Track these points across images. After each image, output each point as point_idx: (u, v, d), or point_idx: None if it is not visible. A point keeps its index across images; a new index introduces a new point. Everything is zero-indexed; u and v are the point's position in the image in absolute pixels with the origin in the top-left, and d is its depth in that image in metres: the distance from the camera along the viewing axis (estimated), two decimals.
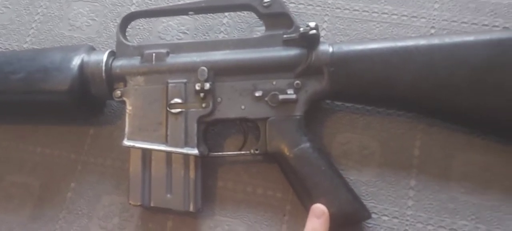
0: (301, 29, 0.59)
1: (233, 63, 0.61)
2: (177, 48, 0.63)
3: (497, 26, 0.65)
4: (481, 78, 0.55)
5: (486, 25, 0.65)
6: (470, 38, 0.57)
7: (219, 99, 0.61)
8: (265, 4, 0.61)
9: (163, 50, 0.62)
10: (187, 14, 0.65)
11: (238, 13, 0.70)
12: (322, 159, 0.59)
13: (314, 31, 0.58)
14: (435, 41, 0.58)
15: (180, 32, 0.72)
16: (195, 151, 0.60)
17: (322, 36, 0.68)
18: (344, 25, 0.68)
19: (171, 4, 0.67)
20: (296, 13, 0.69)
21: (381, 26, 0.67)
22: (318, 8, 0.70)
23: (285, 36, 0.61)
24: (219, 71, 0.60)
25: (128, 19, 0.65)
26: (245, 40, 0.62)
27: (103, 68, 0.62)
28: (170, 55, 0.62)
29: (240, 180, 0.64)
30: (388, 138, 0.62)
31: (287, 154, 0.59)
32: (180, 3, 0.65)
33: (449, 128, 0.61)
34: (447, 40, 0.57)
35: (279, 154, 0.59)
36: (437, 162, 0.61)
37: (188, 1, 0.64)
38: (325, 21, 0.69)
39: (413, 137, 0.62)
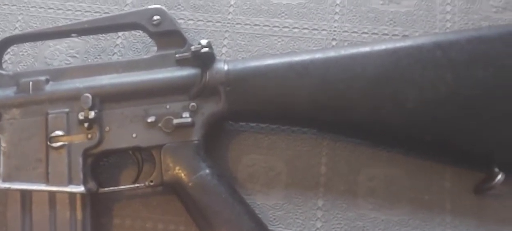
0: (193, 47, 0.55)
1: (121, 87, 0.55)
2: (58, 74, 0.57)
3: (396, 35, 0.64)
4: (378, 89, 0.54)
5: (386, 34, 0.64)
6: (366, 49, 0.55)
7: (107, 128, 0.55)
8: (155, 22, 0.57)
9: (42, 78, 0.56)
10: (70, 36, 0.59)
11: (133, 32, 0.65)
12: (223, 185, 0.55)
13: (206, 49, 0.55)
14: (331, 54, 0.56)
15: (69, 56, 0.65)
16: (80, 189, 0.54)
17: (223, 53, 0.64)
18: (245, 41, 0.65)
19: (53, 26, 0.60)
20: (195, 31, 0.66)
21: (283, 40, 0.65)
22: (218, 24, 0.66)
23: (177, 55, 0.56)
24: (105, 98, 0.55)
25: (4, 44, 0.59)
26: (134, 61, 0.57)
27: None
28: (50, 82, 0.56)
29: (139, 216, 0.58)
30: (294, 156, 0.60)
31: (185, 183, 0.54)
32: (61, 25, 0.59)
33: (354, 142, 0.59)
34: (343, 52, 0.56)
35: (177, 183, 0.55)
36: (343, 178, 0.58)
37: (71, 22, 0.59)
38: (226, 37, 0.65)
39: (319, 154, 0.59)
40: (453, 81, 0.53)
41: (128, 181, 0.58)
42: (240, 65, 0.56)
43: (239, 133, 0.61)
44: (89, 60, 0.65)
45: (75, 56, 0.65)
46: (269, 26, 0.66)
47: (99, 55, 0.65)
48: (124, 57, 0.64)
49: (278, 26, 0.66)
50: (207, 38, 0.58)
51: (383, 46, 0.56)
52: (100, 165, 0.58)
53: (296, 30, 0.65)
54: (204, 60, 0.56)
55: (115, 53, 0.65)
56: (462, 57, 0.54)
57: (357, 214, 0.57)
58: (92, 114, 0.54)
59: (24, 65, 0.65)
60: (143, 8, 0.58)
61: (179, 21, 0.66)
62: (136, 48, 0.65)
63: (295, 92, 0.55)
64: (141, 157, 0.57)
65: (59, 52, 0.66)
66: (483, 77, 0.53)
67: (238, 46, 0.65)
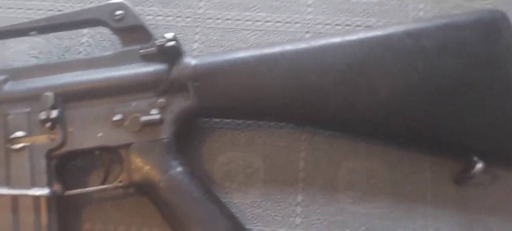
0: (157, 41, 0.53)
1: (84, 85, 0.53)
2: (18, 73, 0.54)
3: (370, 26, 0.63)
4: (350, 79, 0.52)
5: (360, 25, 0.63)
6: (336, 40, 0.54)
7: (70, 128, 0.52)
8: (117, 18, 0.54)
9: (0, 77, 0.53)
10: (29, 35, 0.56)
11: (98, 29, 0.62)
12: (196, 184, 0.52)
13: (172, 43, 0.52)
14: (302, 45, 0.54)
15: (32, 57, 0.62)
16: (45, 191, 0.50)
17: (195, 49, 0.62)
18: (217, 35, 0.63)
19: (10, 24, 0.57)
20: (165, 27, 0.63)
21: (256, 34, 0.63)
22: (188, 19, 0.64)
23: (141, 50, 0.54)
24: (68, 96, 0.52)
25: None
26: (98, 59, 0.55)
27: None
28: (9, 82, 0.53)
29: (110, 220, 0.55)
30: (271, 152, 0.57)
31: (155, 182, 0.51)
32: (18, 23, 0.56)
33: (332, 136, 0.57)
34: (313, 43, 0.54)
35: (147, 184, 0.52)
36: (322, 173, 0.56)
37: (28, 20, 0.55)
38: (197, 32, 0.63)
39: (297, 149, 0.57)
40: (424, 69, 0.52)
41: (96, 184, 0.55)
42: (208, 59, 0.54)
43: (215, 130, 0.58)
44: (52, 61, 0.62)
45: (37, 57, 0.62)
46: (241, 20, 0.64)
47: (63, 55, 0.62)
48: (89, 56, 0.62)
49: (250, 20, 0.64)
50: (177, 34, 0.55)
51: (353, 37, 0.54)
52: (66, 167, 0.54)
53: (268, 23, 0.63)
54: (171, 54, 0.53)
55: (80, 52, 0.62)
56: (432, 45, 0.52)
57: (337, 209, 0.55)
58: (54, 113, 0.51)
59: None
60: (104, 3, 0.55)
61: (147, 17, 0.63)
62: (103, 46, 0.62)
63: (266, 86, 0.53)
64: (108, 157, 0.54)
65: (21, 53, 0.62)
66: (454, 65, 0.52)
67: (210, 42, 0.63)
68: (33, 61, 0.62)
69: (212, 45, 0.62)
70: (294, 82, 0.53)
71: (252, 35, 0.63)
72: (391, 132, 0.54)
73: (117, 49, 0.56)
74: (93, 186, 0.55)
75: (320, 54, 0.53)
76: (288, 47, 0.54)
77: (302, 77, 0.53)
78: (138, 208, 0.55)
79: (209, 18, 0.64)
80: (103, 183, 0.54)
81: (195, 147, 0.58)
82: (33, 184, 0.50)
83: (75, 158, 0.55)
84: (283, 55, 0.53)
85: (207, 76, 0.53)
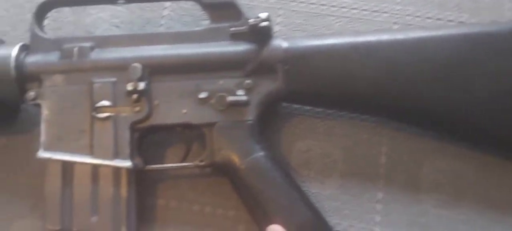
0: (251, 21, 0.51)
1: (172, 59, 0.52)
2: (104, 42, 0.53)
3: (462, 22, 0.59)
4: (448, 75, 0.50)
5: (451, 20, 0.60)
6: (437, 33, 0.51)
7: (156, 102, 0.51)
8: None
9: (87, 44, 0.52)
10: (116, 3, 0.55)
11: (181, 4, 0.61)
12: (278, 170, 0.51)
13: (265, 23, 0.51)
14: (399, 36, 0.52)
15: (113, 26, 0.61)
16: (127, 164, 0.50)
17: (277, 32, 0.60)
18: (300, 19, 0.61)
19: None
20: (248, 6, 0.61)
21: (341, 21, 0.60)
22: (271, 0, 0.62)
23: (232, 29, 0.52)
24: (155, 69, 0.51)
25: (45, 7, 0.55)
26: (186, 33, 0.53)
27: (13, 64, 0.51)
28: (96, 50, 0.52)
29: (185, 198, 0.55)
30: (351, 144, 0.55)
31: (238, 165, 0.50)
32: None
33: (417, 133, 0.55)
34: (412, 35, 0.52)
35: (229, 165, 0.51)
36: (405, 170, 0.54)
37: None
38: (280, 15, 0.61)
39: (379, 143, 0.55)
40: None
41: (173, 160, 0.55)
42: (300, 43, 0.52)
43: (293, 116, 0.56)
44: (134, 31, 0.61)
45: (118, 26, 0.61)
46: (326, 5, 0.61)
47: (144, 26, 0.61)
48: (171, 29, 0.60)
49: (335, 6, 0.61)
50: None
51: (456, 31, 0.52)
52: (145, 141, 0.54)
53: (355, 11, 0.61)
54: (262, 35, 0.52)
55: (161, 25, 0.61)
56: None
57: (420, 210, 0.53)
58: (141, 85, 0.50)
59: (64, 32, 0.61)
60: None
61: None
62: (185, 22, 0.61)
63: (358, 75, 0.51)
64: (190, 134, 0.53)
65: (101, 21, 0.62)
66: None
67: (292, 25, 0.61)
68: (114, 30, 0.61)
69: (295, 29, 0.60)
70: (387, 73, 0.50)
71: (337, 22, 0.60)
72: (484, 136, 0.51)
73: (202, 26, 0.54)
74: (170, 162, 0.54)
75: (418, 46, 0.51)
76: (385, 36, 0.52)
77: (396, 69, 0.50)
78: (214, 188, 0.54)
79: (292, 1, 0.62)
80: (183, 160, 0.53)
81: (274, 131, 0.56)
82: (115, 155, 0.50)
83: (155, 133, 0.54)
84: (379, 44, 0.51)
85: (297, 60, 0.51)
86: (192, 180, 0.55)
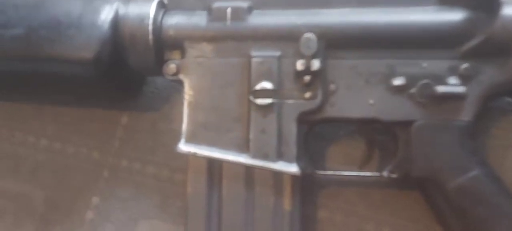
0: None
1: (355, 29, 0.38)
2: (265, 2, 0.40)
3: None
4: None
5: None
6: None
7: (332, 86, 0.38)
8: None
9: (244, 4, 0.39)
10: None
11: None
12: (502, 193, 0.36)
13: None
14: None
15: None
16: (293, 168, 0.37)
17: None
18: None
19: None
20: None
21: None
22: None
23: None
24: (333, 42, 0.38)
25: None
26: None
27: (150, 27, 0.39)
28: (254, 12, 0.39)
29: (354, 212, 0.43)
30: None
31: (447, 183, 0.37)
32: None
33: None
34: None
35: (432, 181, 0.37)
36: None
37: None
38: None
39: None
40: None
41: (339, 163, 0.42)
42: None
43: (509, 115, 0.42)
44: None
45: None
46: None
47: None
48: None
49: None
50: None
51: None
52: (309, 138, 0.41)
53: None
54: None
55: None
56: None
57: None
58: (316, 64, 0.37)
59: None
60: None
61: None
62: None
63: None
64: (373, 134, 0.40)
65: None
66: None
67: None
68: None
69: None
70: None
71: None
72: None
73: None
74: (336, 164, 0.42)
75: None
76: None
77: None
78: (393, 202, 0.42)
79: None
80: (362, 167, 0.40)
81: (483, 135, 0.42)
82: (279, 156, 0.38)
83: (328, 126, 0.41)
84: None
85: None
86: (364, 189, 0.43)
